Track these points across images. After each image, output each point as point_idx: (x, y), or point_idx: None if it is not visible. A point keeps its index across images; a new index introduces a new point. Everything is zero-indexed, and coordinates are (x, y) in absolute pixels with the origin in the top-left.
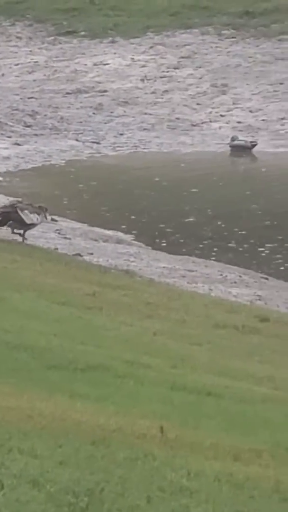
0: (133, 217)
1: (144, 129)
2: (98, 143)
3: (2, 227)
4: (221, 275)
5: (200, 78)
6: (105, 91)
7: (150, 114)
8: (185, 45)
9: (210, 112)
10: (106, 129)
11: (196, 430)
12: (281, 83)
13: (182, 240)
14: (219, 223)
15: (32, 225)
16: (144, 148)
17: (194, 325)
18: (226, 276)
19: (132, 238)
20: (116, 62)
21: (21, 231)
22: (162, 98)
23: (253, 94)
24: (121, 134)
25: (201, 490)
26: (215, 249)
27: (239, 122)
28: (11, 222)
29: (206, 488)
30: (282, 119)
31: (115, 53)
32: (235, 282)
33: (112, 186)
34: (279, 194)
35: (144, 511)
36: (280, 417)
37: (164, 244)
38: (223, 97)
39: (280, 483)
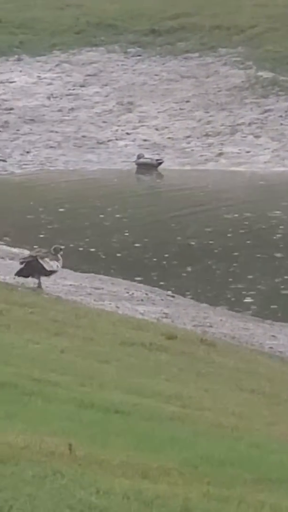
0: (39, 234)
1: (51, 147)
2: (4, 161)
3: (26, 277)
4: (128, 292)
5: (106, 96)
6: (11, 108)
7: (57, 132)
8: (91, 63)
9: (116, 130)
10: (12, 147)
11: (104, 448)
12: (186, 101)
13: (88, 258)
14: (125, 240)
15: (53, 272)
16: (50, 166)
17: (102, 342)
18: (132, 294)
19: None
20: (22, 79)
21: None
22: (69, 116)
23: (159, 112)
24: (27, 152)
25: (110, 508)
26: (121, 267)
27: (145, 140)
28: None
29: (115, 505)
30: (188, 137)
31: (21, 71)
32: (141, 300)
33: (18, 204)
34: (184, 211)
35: None
36: (188, 435)
37: (71, 262)
38: (129, 115)
39: (188, 500)
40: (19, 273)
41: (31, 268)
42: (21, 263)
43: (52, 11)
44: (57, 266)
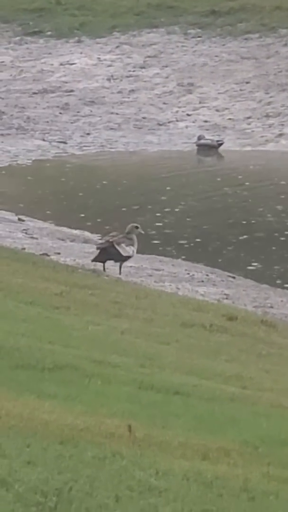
0: (99, 216)
1: (111, 128)
2: (64, 142)
3: (103, 262)
4: (188, 274)
5: (167, 78)
6: (72, 90)
7: (117, 114)
8: (151, 44)
9: (177, 111)
10: (72, 129)
11: (164, 429)
12: (247, 82)
13: (149, 239)
14: (186, 221)
15: (128, 258)
16: (110, 148)
17: (162, 324)
18: (193, 275)
19: (99, 237)
20: (82, 61)
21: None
22: (129, 97)
23: (219, 93)
24: (88, 134)
25: (169, 489)
26: (182, 248)
27: (205, 121)
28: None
29: (175, 487)
30: (248, 118)
31: (81, 53)
32: (202, 281)
33: (78, 186)
34: (245, 192)
35: (113, 510)
36: (248, 416)
37: None
38: (189, 96)
39: (248, 481)
40: (96, 259)
41: (107, 254)
42: (98, 248)
43: None
44: (133, 251)
